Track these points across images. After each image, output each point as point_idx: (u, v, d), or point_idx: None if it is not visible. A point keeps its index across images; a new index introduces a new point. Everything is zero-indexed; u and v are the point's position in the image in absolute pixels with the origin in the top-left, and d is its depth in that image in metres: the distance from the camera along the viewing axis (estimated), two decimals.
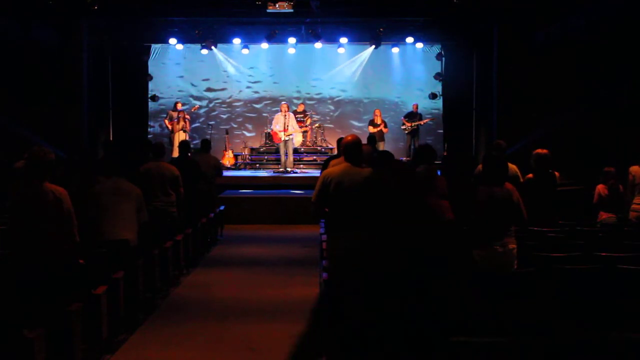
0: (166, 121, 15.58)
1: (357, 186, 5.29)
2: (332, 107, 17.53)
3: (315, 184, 5.50)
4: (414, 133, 15.87)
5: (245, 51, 16.24)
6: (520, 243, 5.94)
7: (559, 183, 7.91)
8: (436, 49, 16.85)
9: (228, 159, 15.60)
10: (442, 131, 16.94)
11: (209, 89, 17.42)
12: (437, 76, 16.97)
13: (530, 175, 7.59)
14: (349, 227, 5.30)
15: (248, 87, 17.46)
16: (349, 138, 5.52)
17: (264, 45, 16.13)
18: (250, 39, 15.84)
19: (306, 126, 15.91)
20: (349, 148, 5.44)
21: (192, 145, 11.54)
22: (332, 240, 5.51)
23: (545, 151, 7.56)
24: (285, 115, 14.15)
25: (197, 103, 17.00)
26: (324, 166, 8.12)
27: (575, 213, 8.51)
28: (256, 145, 16.78)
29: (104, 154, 11.06)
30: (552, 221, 7.43)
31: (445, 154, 15.18)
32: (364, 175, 5.34)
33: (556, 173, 7.67)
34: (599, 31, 12.46)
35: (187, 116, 15.38)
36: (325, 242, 6.01)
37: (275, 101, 17.21)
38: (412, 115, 16.00)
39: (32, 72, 13.22)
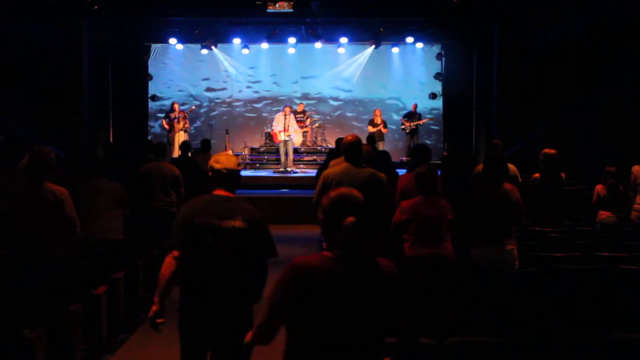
0: (164, 121, 15.58)
1: (357, 186, 5.25)
2: (332, 107, 17.52)
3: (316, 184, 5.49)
4: (413, 133, 15.87)
5: (245, 51, 16.23)
6: (520, 243, 5.93)
7: (565, 183, 7.89)
8: (436, 48, 16.85)
9: None
10: (442, 131, 16.94)
11: (209, 89, 17.42)
12: (437, 76, 16.97)
13: (537, 175, 7.57)
14: None
15: (248, 87, 17.45)
16: (349, 138, 5.48)
17: (264, 45, 16.14)
18: (250, 39, 15.84)
19: (306, 126, 15.91)
20: (349, 148, 5.41)
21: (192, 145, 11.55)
22: None
23: (553, 151, 7.52)
24: (285, 116, 14.16)
25: (197, 103, 17.01)
26: (323, 166, 8.09)
27: (575, 213, 8.50)
28: (256, 145, 16.77)
29: (103, 155, 11.08)
30: (559, 222, 7.41)
31: (445, 154, 15.17)
32: (364, 176, 5.33)
33: (562, 174, 7.66)
34: (599, 31, 12.46)
35: (186, 115, 15.38)
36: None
37: (275, 101, 17.22)
38: (411, 115, 16.00)
39: (32, 73, 13.22)
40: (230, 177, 3.73)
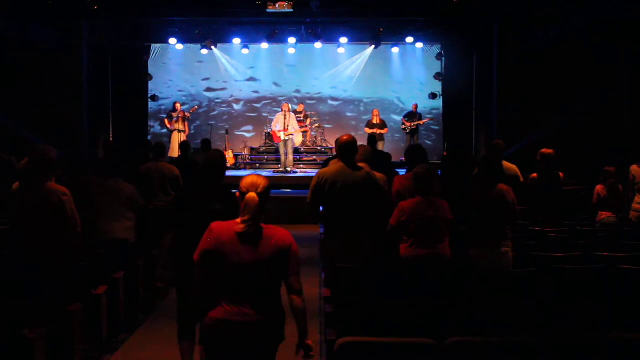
0: (166, 120, 15.59)
1: (352, 187, 5.25)
2: (332, 107, 17.52)
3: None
4: (413, 133, 15.87)
5: (245, 51, 16.24)
6: (520, 243, 5.93)
7: (564, 183, 7.88)
8: (436, 48, 16.84)
9: (228, 159, 15.59)
10: (442, 131, 16.94)
11: (209, 89, 17.43)
12: (437, 76, 16.96)
13: (534, 175, 7.56)
14: (343, 228, 5.28)
15: (248, 87, 17.46)
16: (344, 138, 5.43)
17: (264, 45, 16.14)
18: (250, 39, 15.84)
19: (306, 126, 15.91)
20: (344, 148, 5.37)
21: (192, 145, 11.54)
22: (329, 242, 5.49)
23: (550, 151, 7.51)
24: (285, 115, 14.15)
25: (197, 103, 17.01)
26: (323, 167, 8.09)
27: (574, 213, 8.50)
28: (256, 145, 16.78)
29: (103, 154, 11.08)
30: (556, 222, 7.40)
31: (445, 154, 15.16)
32: (359, 176, 5.30)
33: (561, 174, 7.65)
34: (599, 31, 12.46)
35: (187, 115, 15.37)
36: (323, 242, 6.00)
37: (275, 101, 17.22)
38: (412, 115, 15.99)
39: (32, 73, 13.22)
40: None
